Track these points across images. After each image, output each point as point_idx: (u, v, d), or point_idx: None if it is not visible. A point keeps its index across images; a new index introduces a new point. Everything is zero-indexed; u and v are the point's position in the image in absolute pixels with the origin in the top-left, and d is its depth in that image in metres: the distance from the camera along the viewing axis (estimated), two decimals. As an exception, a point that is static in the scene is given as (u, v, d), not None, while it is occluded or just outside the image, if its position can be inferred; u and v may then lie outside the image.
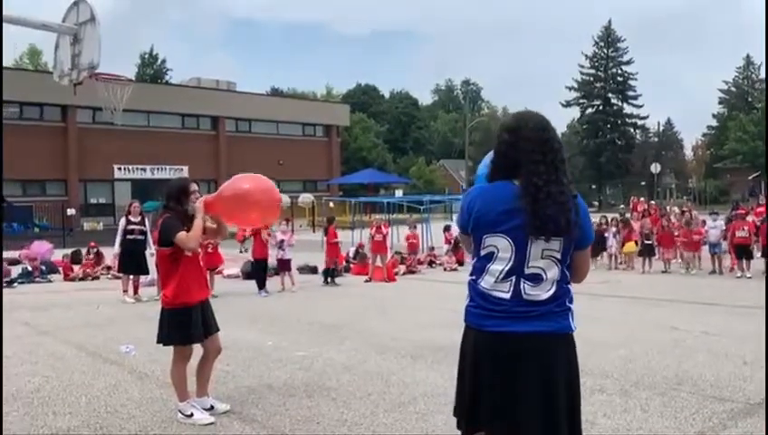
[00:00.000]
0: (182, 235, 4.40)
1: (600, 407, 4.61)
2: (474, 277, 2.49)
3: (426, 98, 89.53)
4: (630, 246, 14.49)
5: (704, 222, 14.08)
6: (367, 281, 13.29)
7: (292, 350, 6.71)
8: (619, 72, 60.44)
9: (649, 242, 14.06)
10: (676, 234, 13.94)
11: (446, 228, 17.24)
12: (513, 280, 2.38)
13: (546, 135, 2.41)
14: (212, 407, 4.67)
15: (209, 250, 11.03)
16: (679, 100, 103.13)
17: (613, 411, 4.53)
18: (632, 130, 62.39)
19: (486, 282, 2.42)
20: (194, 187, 4.70)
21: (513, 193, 2.36)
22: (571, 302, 2.45)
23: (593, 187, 59.61)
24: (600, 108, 60.53)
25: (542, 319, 2.36)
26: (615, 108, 60.90)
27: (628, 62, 60.14)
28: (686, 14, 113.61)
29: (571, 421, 2.40)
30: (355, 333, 7.66)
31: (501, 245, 2.38)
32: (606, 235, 14.65)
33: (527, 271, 2.37)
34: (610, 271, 14.25)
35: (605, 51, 60.29)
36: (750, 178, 49.52)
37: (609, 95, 60.40)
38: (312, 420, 4.51)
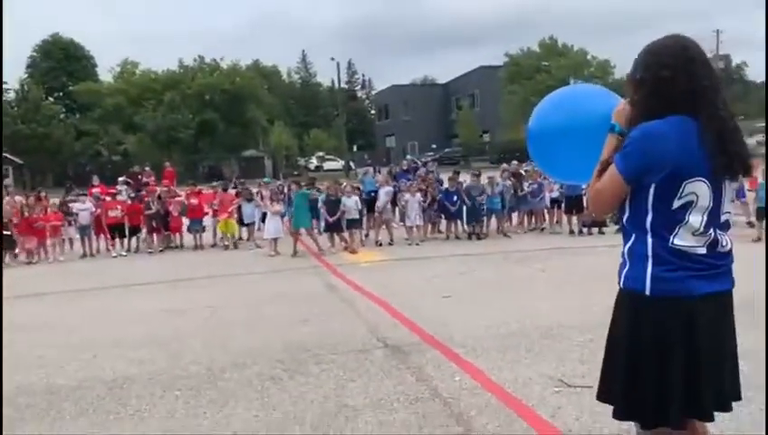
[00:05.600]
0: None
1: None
2: (659, 236, 2.08)
3: None
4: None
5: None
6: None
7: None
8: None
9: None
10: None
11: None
12: (711, 232, 2.09)
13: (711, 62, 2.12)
14: None
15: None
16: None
17: None
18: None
19: (681, 238, 2.07)
20: None
21: (696, 130, 2.04)
22: None
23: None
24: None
25: (729, 273, 2.13)
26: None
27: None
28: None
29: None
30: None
31: (701, 191, 2.07)
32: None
33: (722, 218, 2.13)
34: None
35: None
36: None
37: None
38: None
